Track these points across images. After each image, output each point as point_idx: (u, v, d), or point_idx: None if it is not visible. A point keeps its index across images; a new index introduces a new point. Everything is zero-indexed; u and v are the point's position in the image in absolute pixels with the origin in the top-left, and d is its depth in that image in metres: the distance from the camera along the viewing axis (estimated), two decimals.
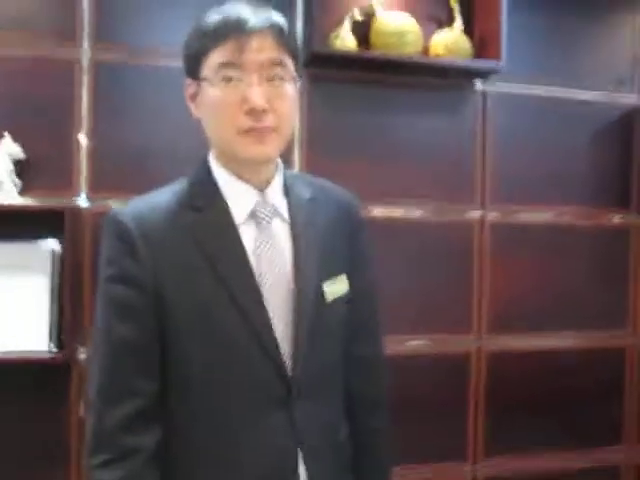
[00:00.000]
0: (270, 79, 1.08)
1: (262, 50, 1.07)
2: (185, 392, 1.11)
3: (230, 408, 1.10)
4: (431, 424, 2.38)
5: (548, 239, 2.53)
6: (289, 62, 1.11)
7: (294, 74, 1.12)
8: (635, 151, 2.62)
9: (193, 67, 1.12)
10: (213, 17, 1.09)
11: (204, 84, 1.10)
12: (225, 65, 1.07)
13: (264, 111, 1.07)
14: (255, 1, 1.11)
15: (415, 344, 2.38)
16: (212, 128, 1.13)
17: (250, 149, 1.09)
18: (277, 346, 1.10)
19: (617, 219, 2.61)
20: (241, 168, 1.15)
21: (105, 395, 1.09)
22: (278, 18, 1.11)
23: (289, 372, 1.11)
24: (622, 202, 2.62)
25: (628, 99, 2.62)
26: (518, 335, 2.49)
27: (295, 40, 1.15)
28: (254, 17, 1.07)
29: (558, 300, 2.53)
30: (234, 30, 1.06)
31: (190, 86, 1.15)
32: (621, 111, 2.61)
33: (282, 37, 1.09)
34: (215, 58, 1.07)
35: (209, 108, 1.11)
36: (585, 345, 2.56)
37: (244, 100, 1.06)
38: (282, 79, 1.09)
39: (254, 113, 1.06)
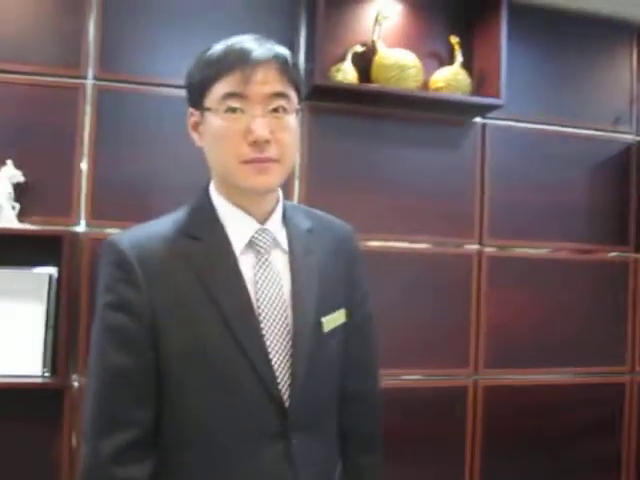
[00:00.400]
0: (273, 111, 1.09)
1: (266, 82, 1.07)
2: (179, 423, 1.10)
3: (225, 440, 1.08)
4: (427, 459, 2.36)
5: (546, 274, 2.53)
6: (292, 94, 1.12)
7: (297, 106, 1.13)
8: (632, 188, 2.64)
9: (196, 97, 1.12)
10: (217, 48, 1.10)
11: (207, 114, 1.10)
12: (229, 96, 1.07)
13: (267, 142, 1.07)
14: (258, 35, 1.12)
15: (411, 378, 2.37)
16: (215, 157, 1.13)
17: (252, 179, 1.09)
18: (274, 377, 1.09)
19: (615, 255, 2.62)
20: (242, 198, 1.15)
21: (99, 424, 1.07)
22: (282, 50, 1.11)
23: (286, 404, 1.10)
24: (620, 238, 2.63)
25: (625, 137, 2.65)
26: (515, 370, 2.48)
27: (298, 72, 1.15)
28: (259, 48, 1.08)
29: (556, 335, 2.53)
30: (239, 61, 1.06)
31: (193, 115, 1.15)
32: (619, 148, 2.64)
33: (286, 69, 1.10)
34: (219, 88, 1.08)
35: (212, 138, 1.11)
36: (583, 381, 2.55)
37: (248, 131, 1.07)
38: (285, 111, 1.10)
39: (257, 144, 1.07)
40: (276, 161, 1.10)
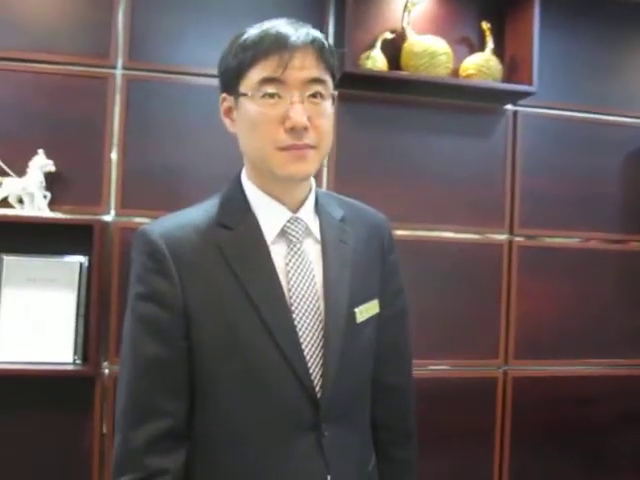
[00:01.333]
0: (311, 96, 1.07)
1: (304, 67, 1.05)
2: (211, 414, 1.09)
3: (257, 431, 1.08)
4: (455, 450, 2.34)
5: (577, 263, 2.49)
6: (328, 79, 1.10)
7: (332, 92, 1.11)
8: None
9: (230, 82, 1.10)
10: (252, 32, 1.08)
11: (243, 99, 1.08)
12: (267, 81, 1.05)
13: (305, 129, 1.05)
14: (291, 19, 1.10)
15: (440, 368, 2.35)
16: (250, 144, 1.11)
17: (289, 167, 1.07)
18: (306, 368, 1.08)
19: None
20: (275, 186, 1.13)
21: (132, 415, 1.07)
22: (319, 34, 1.09)
23: (318, 395, 1.09)
24: None
25: None
26: (545, 361, 2.45)
27: (335, 57, 1.12)
28: (296, 33, 1.05)
29: (586, 326, 2.49)
30: (276, 46, 1.04)
31: (226, 101, 1.13)
32: None
33: (323, 54, 1.08)
34: (256, 73, 1.05)
35: (248, 124, 1.08)
36: (614, 372, 2.51)
37: (285, 117, 1.05)
38: (322, 97, 1.08)
39: (295, 131, 1.04)
40: (313, 147, 1.07)
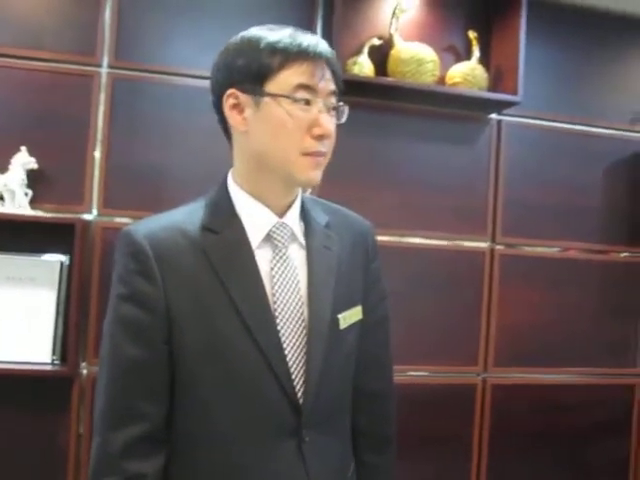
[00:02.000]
0: (330, 107, 1.10)
1: (329, 78, 1.09)
2: (191, 418, 1.09)
3: (237, 436, 1.07)
4: (434, 457, 2.35)
5: (557, 273, 2.52)
6: (338, 91, 1.13)
7: (340, 103, 1.14)
8: None
9: (250, 80, 1.07)
10: (278, 35, 1.07)
11: (269, 100, 1.06)
12: (303, 87, 1.06)
13: (328, 137, 1.09)
14: (278, 25, 1.11)
15: (419, 375, 2.36)
16: (271, 146, 1.09)
17: (310, 173, 1.09)
18: (289, 373, 1.08)
19: (627, 255, 2.60)
20: (266, 191, 1.13)
21: (110, 417, 1.06)
22: (330, 47, 1.12)
23: (300, 401, 1.09)
24: (632, 238, 2.60)
25: None
26: (524, 369, 2.47)
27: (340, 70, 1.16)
28: (320, 43, 1.09)
29: (566, 335, 2.51)
30: (309, 53, 1.06)
31: (232, 97, 1.10)
32: (635, 148, 2.61)
33: (336, 66, 1.12)
34: (292, 77, 1.06)
35: (273, 125, 1.07)
36: (592, 381, 2.54)
37: (314, 124, 1.07)
38: (336, 108, 1.12)
39: (322, 138, 1.08)
40: (326, 156, 1.12)
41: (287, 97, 1.06)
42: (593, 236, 2.56)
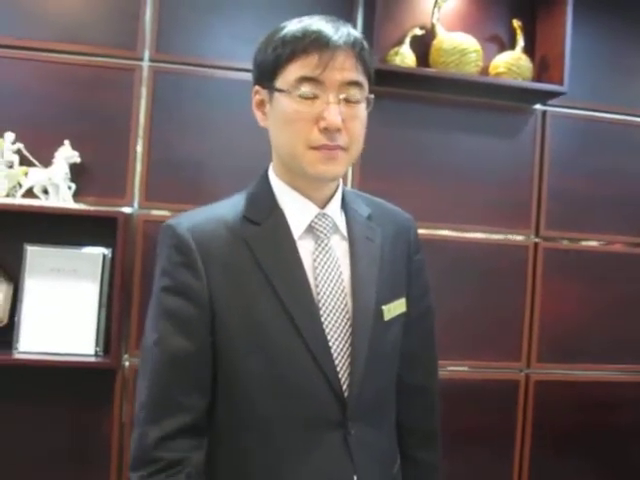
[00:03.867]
0: (346, 99, 1.06)
1: (343, 69, 1.04)
2: (235, 409, 1.08)
3: (282, 427, 1.07)
4: (475, 453, 2.32)
5: (602, 267, 2.45)
6: (365, 82, 1.09)
7: (368, 95, 1.10)
8: None
9: (266, 75, 1.09)
10: (293, 27, 1.06)
11: (278, 95, 1.07)
12: (305, 80, 1.04)
13: (338, 130, 1.04)
14: (332, 17, 1.09)
15: (461, 370, 2.32)
16: (281, 140, 1.10)
17: (319, 166, 1.06)
18: (334, 365, 1.07)
19: None
20: (304, 183, 1.12)
21: (152, 408, 1.06)
22: (359, 35, 1.08)
23: (345, 393, 1.08)
24: None
25: None
26: (568, 365, 2.42)
27: (372, 59, 1.12)
28: (337, 33, 1.04)
29: (611, 330, 2.45)
30: (317, 44, 1.03)
31: (258, 93, 1.12)
32: None
33: (362, 56, 1.07)
34: (294, 70, 1.04)
35: (281, 120, 1.08)
36: (637, 378, 2.47)
37: (320, 117, 1.04)
38: (357, 100, 1.07)
39: (328, 131, 1.04)
40: (344, 149, 1.07)
41: (286, 90, 1.05)
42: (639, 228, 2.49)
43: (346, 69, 1.04)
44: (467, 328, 2.32)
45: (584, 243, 2.44)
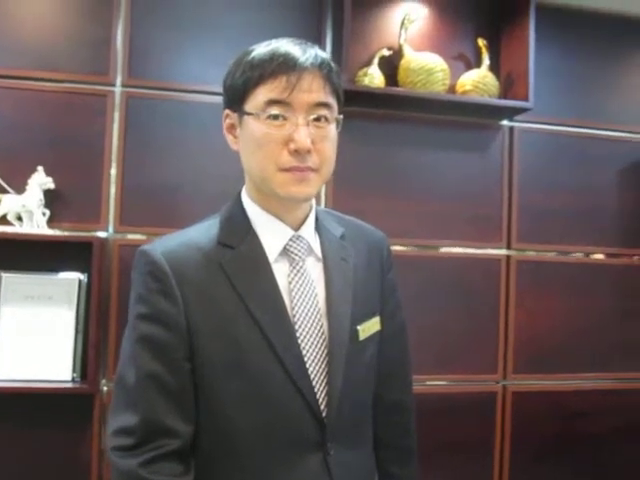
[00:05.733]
0: (316, 120, 1.07)
1: (311, 90, 1.05)
2: (216, 434, 1.08)
3: (262, 450, 1.07)
4: (454, 465, 2.33)
5: (574, 278, 2.50)
6: (334, 103, 1.10)
7: (337, 115, 1.11)
8: None
9: (235, 99, 1.10)
10: (260, 50, 1.07)
11: (248, 118, 1.08)
12: (273, 102, 1.05)
13: (308, 151, 1.05)
14: (299, 39, 1.10)
15: (438, 384, 2.35)
16: (252, 163, 1.10)
17: (290, 188, 1.07)
18: (311, 386, 1.08)
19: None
20: (277, 205, 1.13)
21: (132, 434, 1.04)
22: (327, 56, 1.09)
23: (323, 413, 1.08)
24: None
25: None
26: (544, 375, 2.45)
27: (340, 80, 1.13)
28: (304, 54, 1.05)
29: (585, 340, 2.49)
30: (284, 67, 1.04)
31: (229, 117, 1.13)
32: None
33: (330, 77, 1.08)
34: (263, 94, 1.05)
35: (251, 143, 1.08)
36: (613, 386, 2.51)
37: (289, 139, 1.05)
38: (327, 120, 1.08)
39: (299, 153, 1.05)
40: (315, 171, 1.08)
41: (255, 114, 1.06)
42: (608, 240, 2.55)
43: (314, 91, 1.05)
44: (444, 342, 2.35)
45: (555, 255, 2.49)
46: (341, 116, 1.12)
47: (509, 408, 2.41)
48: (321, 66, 1.07)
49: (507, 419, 2.41)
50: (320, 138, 1.07)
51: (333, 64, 1.10)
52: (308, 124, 1.05)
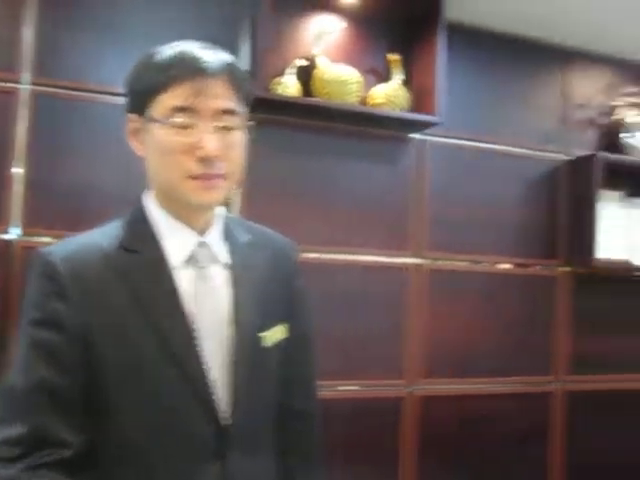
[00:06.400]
0: (223, 127, 1.05)
1: (217, 96, 1.03)
2: (114, 442, 1.05)
3: (162, 460, 1.05)
4: (361, 470, 2.37)
5: (479, 287, 2.60)
6: (241, 109, 1.08)
7: (246, 122, 1.10)
8: (560, 205, 2.74)
9: (139, 103, 1.07)
10: (166, 53, 1.05)
11: (153, 124, 1.05)
12: (179, 109, 1.03)
13: (216, 159, 1.04)
14: (206, 43, 1.09)
15: (347, 389, 2.38)
16: (159, 170, 1.08)
17: (199, 195, 1.06)
18: (212, 395, 1.06)
19: (544, 269, 2.71)
20: (183, 211, 1.12)
21: (18, 445, 0.99)
22: (234, 61, 1.07)
23: (224, 422, 1.07)
24: (549, 252, 2.72)
25: (555, 156, 2.76)
26: (450, 380, 2.53)
27: (249, 85, 1.12)
28: (210, 59, 1.03)
29: (491, 346, 2.60)
30: (190, 72, 1.02)
31: (132, 122, 1.10)
32: (549, 166, 2.74)
33: (237, 82, 1.06)
34: (168, 100, 1.03)
35: (157, 150, 1.06)
36: (513, 390, 2.62)
37: (197, 146, 1.03)
38: (233, 127, 1.07)
39: (206, 160, 1.03)
40: (224, 177, 1.07)
41: (160, 120, 1.03)
42: (514, 251, 2.67)
43: (220, 97, 1.04)
44: (354, 348, 2.38)
45: (463, 264, 2.59)
46: (251, 122, 1.11)
47: (416, 413, 2.47)
48: (228, 71, 1.05)
49: (414, 424, 2.46)
50: (228, 145, 1.06)
51: (240, 69, 1.09)
52: (215, 131, 1.04)
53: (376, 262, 2.45)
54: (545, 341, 2.70)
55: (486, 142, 2.65)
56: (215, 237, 1.16)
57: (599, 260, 2.62)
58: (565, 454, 2.71)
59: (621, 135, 2.80)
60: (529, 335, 2.67)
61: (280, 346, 1.20)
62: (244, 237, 1.22)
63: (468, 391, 2.56)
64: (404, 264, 2.49)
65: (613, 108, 2.84)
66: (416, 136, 2.52)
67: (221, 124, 1.05)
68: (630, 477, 2.78)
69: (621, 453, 2.78)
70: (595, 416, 2.76)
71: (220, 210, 1.20)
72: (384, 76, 2.47)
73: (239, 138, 1.09)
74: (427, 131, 2.51)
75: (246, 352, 1.11)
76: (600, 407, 2.76)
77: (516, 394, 2.63)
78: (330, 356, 2.26)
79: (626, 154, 2.78)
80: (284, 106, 2.23)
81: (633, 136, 2.78)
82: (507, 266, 2.66)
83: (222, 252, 1.17)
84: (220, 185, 1.07)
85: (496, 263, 2.65)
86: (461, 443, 2.54)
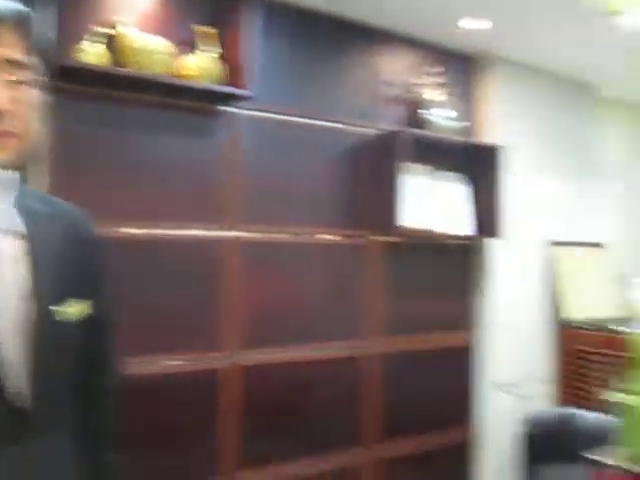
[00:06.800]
0: (13, 80, 0.98)
1: (4, 45, 0.96)
2: None
3: None
4: (184, 443, 2.38)
5: (292, 258, 2.70)
6: (33, 63, 1.01)
7: (41, 78, 1.03)
8: (369, 177, 2.89)
9: None
10: None
11: None
12: None
13: (6, 112, 0.97)
14: None
15: (169, 364, 2.37)
16: None
17: None
18: (5, 375, 1.00)
19: (357, 238, 2.87)
20: None
21: None
22: (23, 9, 0.99)
23: (20, 404, 1.01)
24: (361, 222, 2.87)
25: (367, 130, 2.90)
26: (270, 349, 2.61)
27: (45, 39, 1.05)
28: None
29: (305, 314, 2.71)
30: None
31: None
32: (360, 141, 2.88)
33: (28, 33, 0.99)
34: None
35: None
36: (326, 356, 2.76)
37: None
38: (26, 82, 1.00)
39: None
40: (15, 135, 1.00)
41: None
42: (327, 222, 2.79)
43: (6, 45, 0.97)
44: (174, 323, 2.37)
45: (279, 235, 2.65)
46: (45, 78, 1.04)
47: (238, 383, 2.52)
48: (17, 20, 0.98)
49: (236, 393, 2.51)
50: (18, 100, 0.99)
51: (32, 21, 1.01)
52: (4, 85, 0.97)
53: (191, 236, 2.44)
54: (359, 306, 2.86)
55: (300, 116, 2.73)
56: (7, 206, 1.08)
57: (403, 228, 2.80)
58: (380, 409, 2.90)
59: (419, 111, 3.00)
60: (344, 301, 2.82)
61: (82, 322, 1.14)
62: (40, 208, 1.15)
63: (288, 359, 2.65)
64: (219, 237, 2.51)
65: (416, 86, 3.03)
66: (231, 109, 2.53)
67: (11, 77, 0.98)
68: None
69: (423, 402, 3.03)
70: (405, 373, 2.97)
71: (13, 176, 1.10)
72: (200, 48, 2.44)
73: (30, 95, 1.02)
74: (242, 105, 2.53)
75: (43, 328, 1.05)
76: (410, 364, 2.98)
77: (327, 360, 2.76)
78: (150, 332, 2.24)
79: (426, 129, 2.98)
80: (89, 75, 2.13)
81: (430, 113, 3.00)
82: (323, 237, 2.77)
83: (16, 222, 1.09)
84: (10, 144, 1.00)
85: (311, 234, 2.74)
86: (283, 409, 2.64)
